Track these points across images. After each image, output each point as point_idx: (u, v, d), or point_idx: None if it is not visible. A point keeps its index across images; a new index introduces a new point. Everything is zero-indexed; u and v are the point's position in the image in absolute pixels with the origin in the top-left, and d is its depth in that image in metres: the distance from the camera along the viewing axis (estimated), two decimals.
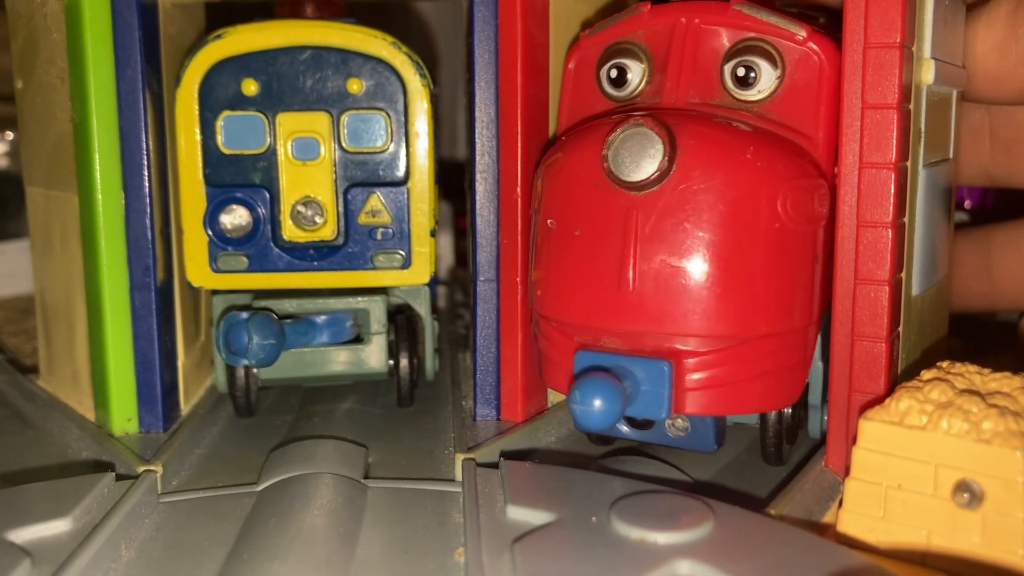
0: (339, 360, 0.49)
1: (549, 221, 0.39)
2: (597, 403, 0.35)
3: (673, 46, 0.41)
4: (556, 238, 0.39)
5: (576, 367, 0.38)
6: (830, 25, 0.41)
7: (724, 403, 0.38)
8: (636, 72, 0.41)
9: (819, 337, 0.40)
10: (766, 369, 0.38)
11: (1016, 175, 0.52)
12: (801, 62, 0.39)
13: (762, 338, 0.37)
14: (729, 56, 0.40)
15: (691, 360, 0.37)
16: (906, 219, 0.38)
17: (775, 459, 0.42)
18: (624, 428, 0.42)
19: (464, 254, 0.80)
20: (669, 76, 0.40)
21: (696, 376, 0.37)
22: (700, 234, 0.36)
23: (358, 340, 0.49)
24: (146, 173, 0.44)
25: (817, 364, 0.41)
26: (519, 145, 0.44)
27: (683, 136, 0.36)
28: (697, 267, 0.36)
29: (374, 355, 0.49)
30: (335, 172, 0.47)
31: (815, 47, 0.39)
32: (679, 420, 0.41)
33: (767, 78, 0.39)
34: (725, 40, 0.40)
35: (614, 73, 0.42)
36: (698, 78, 0.40)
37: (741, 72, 0.39)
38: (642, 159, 0.36)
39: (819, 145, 0.39)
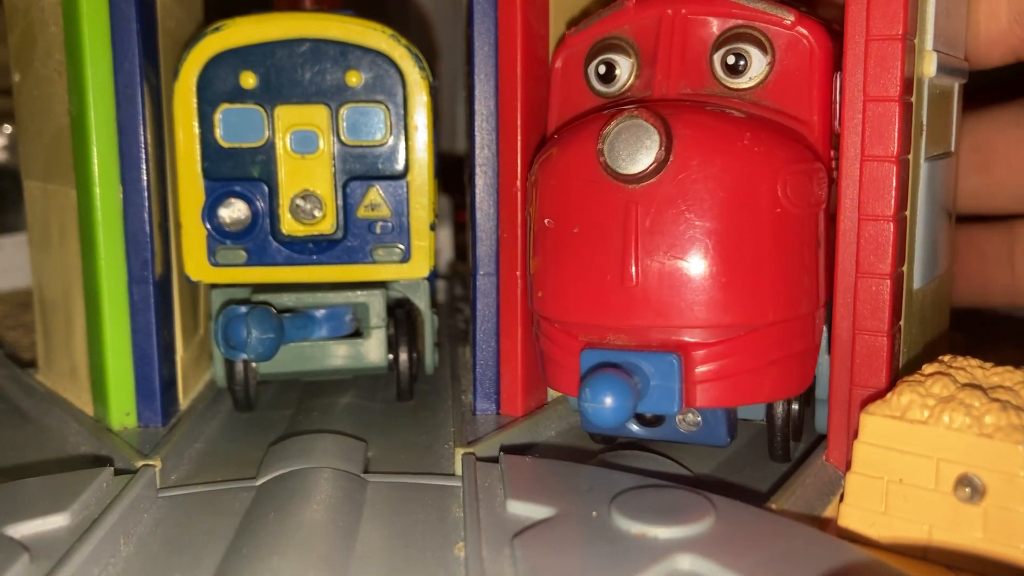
0: (338, 354, 0.49)
1: (546, 220, 0.39)
2: (608, 400, 0.34)
3: (661, 38, 0.40)
4: (554, 237, 0.39)
5: (583, 366, 0.37)
6: (810, 12, 0.41)
7: (735, 394, 0.37)
8: (625, 67, 0.41)
9: (825, 330, 0.40)
10: (776, 357, 0.38)
11: (992, 194, 0.52)
12: (791, 47, 0.39)
13: (770, 326, 0.37)
14: (718, 45, 0.39)
15: (700, 352, 0.37)
16: (907, 212, 0.38)
17: (782, 456, 0.41)
18: (634, 426, 0.42)
19: (464, 248, 0.80)
20: (659, 69, 0.40)
21: (705, 368, 0.37)
22: (702, 223, 0.36)
23: (357, 334, 0.49)
24: (144, 167, 0.44)
25: (823, 357, 0.41)
26: (519, 138, 0.44)
27: (679, 125, 0.36)
28: (700, 257, 0.36)
29: (373, 349, 0.49)
30: (334, 165, 0.47)
31: (804, 31, 0.38)
32: (690, 415, 0.41)
33: (758, 65, 0.39)
34: (713, 29, 0.40)
35: (602, 69, 0.41)
36: (688, 69, 0.40)
37: (731, 60, 0.39)
38: (638, 151, 0.36)
39: (815, 129, 0.38)
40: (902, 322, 0.38)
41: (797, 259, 0.37)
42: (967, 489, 0.31)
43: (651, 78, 0.40)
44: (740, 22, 0.39)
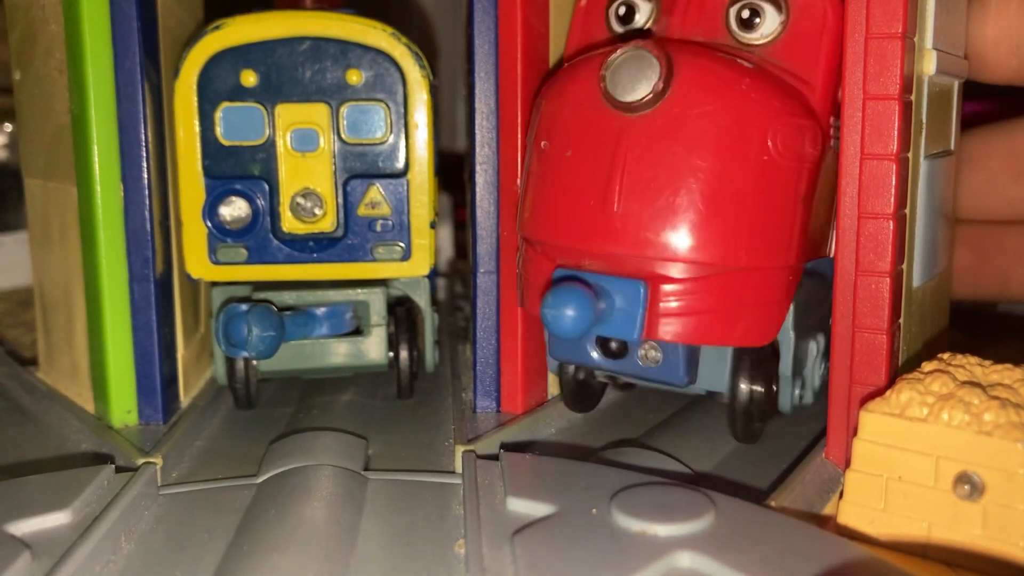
0: (339, 352, 0.49)
1: (543, 143, 0.40)
2: (569, 310, 0.35)
3: None
4: (547, 159, 0.39)
5: (555, 281, 0.38)
6: None
7: (697, 332, 0.38)
8: (644, 11, 0.42)
9: (791, 308, 0.40)
10: (743, 302, 0.38)
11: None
12: (806, 9, 0.39)
13: (741, 270, 0.37)
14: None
15: (668, 286, 0.37)
16: (907, 210, 0.38)
17: (743, 437, 0.42)
18: (596, 355, 0.41)
19: (464, 246, 0.80)
20: (675, 16, 0.41)
21: (671, 302, 0.37)
22: (687, 160, 0.36)
23: (358, 332, 0.49)
24: (145, 165, 0.44)
25: (788, 334, 0.41)
26: (519, 136, 0.44)
27: (681, 62, 0.37)
28: (681, 192, 0.36)
29: (374, 347, 0.49)
30: (334, 164, 0.47)
31: None
32: (652, 351, 0.41)
33: (771, 22, 0.39)
34: None
35: (622, 11, 0.42)
36: (703, 19, 0.40)
37: (746, 14, 0.39)
38: (638, 80, 0.36)
39: (816, 91, 0.39)
40: (901, 320, 0.38)
41: (778, 210, 0.37)
42: (966, 486, 0.31)
43: (667, 25, 0.41)
44: None
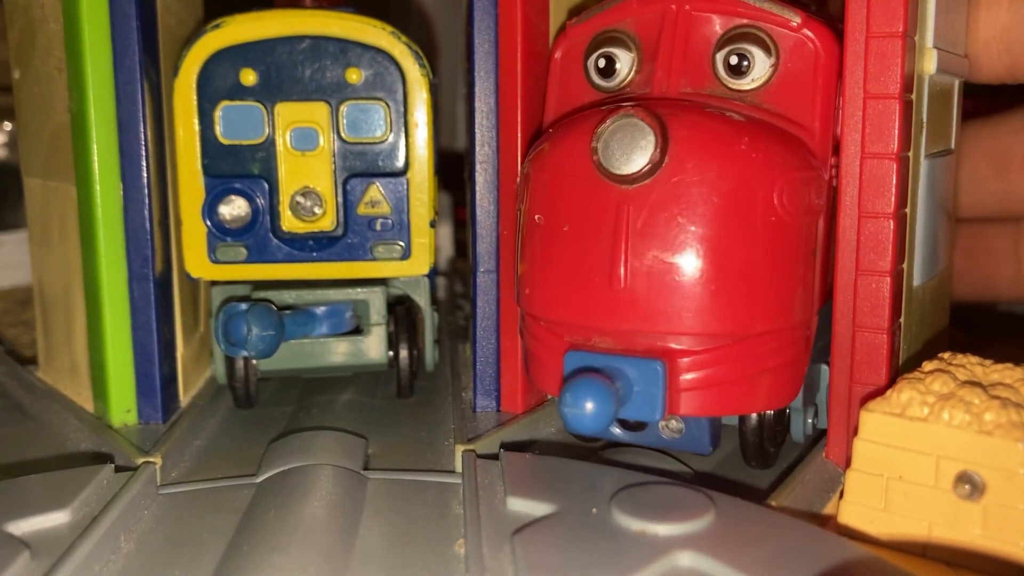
0: (338, 351, 0.49)
1: (536, 216, 0.38)
2: (589, 406, 0.33)
3: (663, 34, 0.40)
4: (544, 233, 0.38)
5: (566, 368, 0.37)
6: (821, 12, 0.41)
7: (720, 403, 0.37)
8: (625, 61, 0.40)
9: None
10: (763, 368, 0.37)
11: (1010, 198, 0.52)
12: (796, 49, 0.38)
13: (759, 336, 0.36)
14: (721, 44, 0.39)
15: (685, 359, 0.36)
16: (907, 210, 0.38)
17: (757, 463, 0.41)
18: (616, 430, 0.41)
19: (464, 245, 0.80)
20: (659, 65, 0.39)
21: (690, 376, 0.36)
22: (694, 228, 0.35)
23: (357, 331, 0.49)
24: (144, 164, 0.44)
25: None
26: (519, 135, 0.44)
27: (675, 127, 0.35)
28: (691, 263, 0.35)
29: (374, 346, 0.49)
30: (334, 162, 0.47)
31: (810, 34, 0.38)
32: (673, 421, 0.40)
33: (761, 66, 0.38)
34: (717, 27, 0.39)
35: (602, 63, 0.41)
36: (689, 67, 0.39)
37: (734, 60, 0.38)
38: (633, 151, 0.35)
39: (815, 135, 0.38)
40: (902, 319, 0.38)
41: (790, 269, 0.36)
42: (967, 486, 0.31)
43: (651, 75, 0.40)
44: (745, 21, 0.38)
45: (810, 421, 0.41)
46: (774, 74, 0.38)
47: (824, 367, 0.42)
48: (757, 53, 0.38)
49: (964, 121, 0.48)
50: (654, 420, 0.37)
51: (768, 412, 0.40)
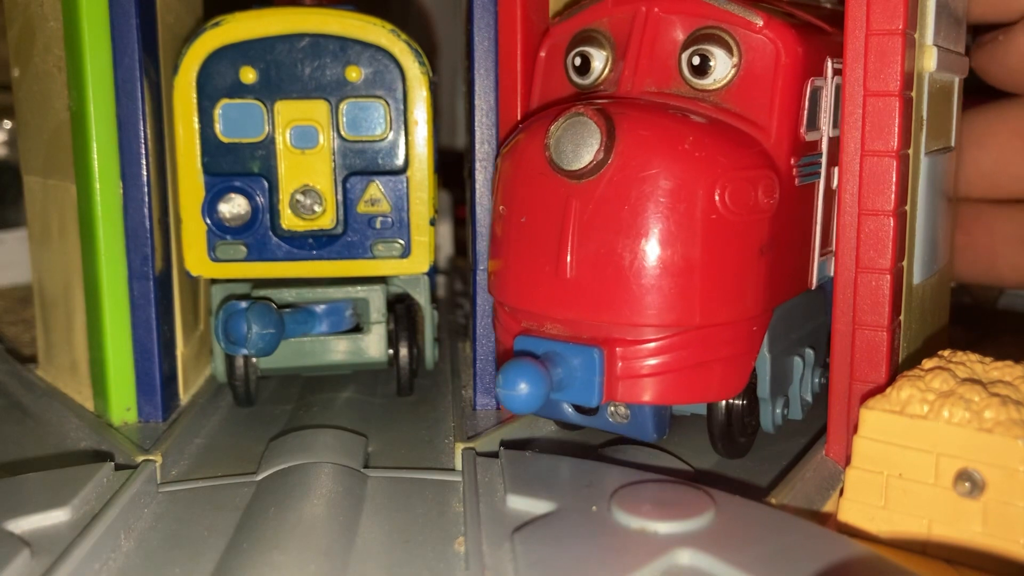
0: (338, 349, 0.49)
1: (501, 207, 0.40)
2: (523, 387, 0.35)
3: (632, 34, 0.41)
4: (506, 224, 0.39)
5: (515, 351, 0.38)
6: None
7: (656, 393, 0.37)
8: (599, 60, 0.41)
9: (768, 330, 0.39)
10: (702, 360, 0.37)
11: None
12: (758, 50, 0.38)
13: (697, 329, 0.37)
14: (686, 45, 0.39)
15: (623, 348, 0.37)
16: (907, 207, 0.38)
17: (726, 451, 0.41)
18: (569, 411, 0.42)
19: (464, 243, 0.80)
20: (627, 64, 0.40)
21: (628, 365, 0.37)
22: (635, 224, 0.36)
23: (357, 329, 0.49)
24: (144, 162, 0.44)
25: (765, 355, 0.40)
26: None
27: (623, 126, 0.36)
28: (631, 257, 0.36)
29: (373, 344, 0.49)
30: (334, 161, 0.47)
31: (771, 35, 0.38)
32: (621, 407, 0.40)
33: (723, 67, 0.39)
34: (683, 29, 0.40)
35: (578, 61, 0.42)
36: (655, 67, 0.40)
37: (697, 61, 0.39)
38: (581, 148, 0.36)
39: (771, 135, 0.38)
40: (902, 317, 0.38)
41: (732, 266, 0.37)
42: (967, 484, 0.31)
43: (620, 74, 0.41)
44: (710, 23, 0.39)
45: (779, 411, 0.42)
46: (736, 74, 0.39)
47: (797, 359, 0.42)
48: (719, 54, 0.39)
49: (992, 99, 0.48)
50: (591, 405, 0.38)
51: (736, 403, 0.40)
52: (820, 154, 0.40)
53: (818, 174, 0.40)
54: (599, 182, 0.36)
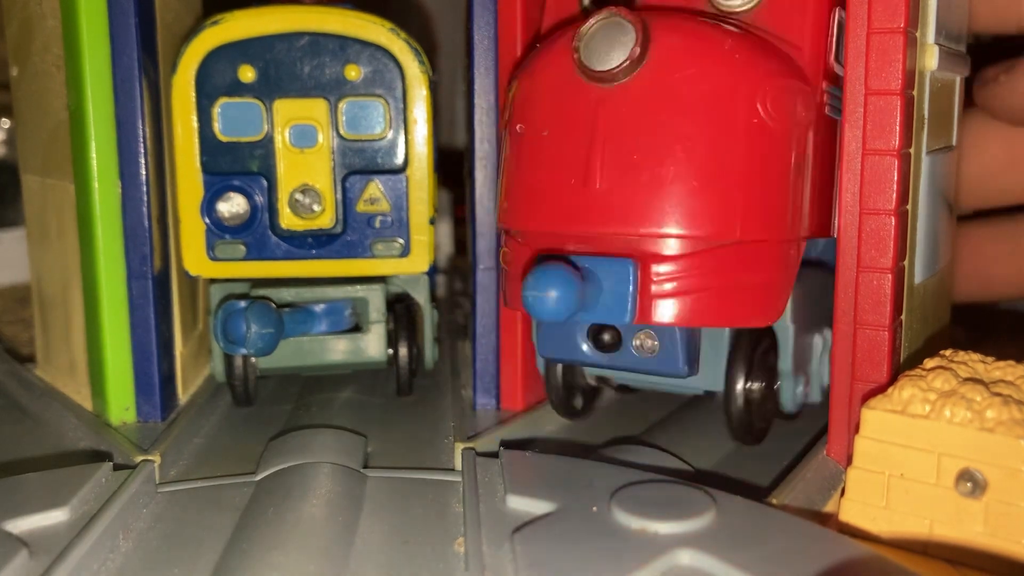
0: (338, 349, 0.49)
1: (518, 127, 0.37)
2: (552, 291, 0.32)
3: None
4: (524, 143, 0.37)
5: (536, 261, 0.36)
6: None
7: (693, 313, 0.35)
8: None
9: (791, 300, 0.38)
10: (742, 280, 0.35)
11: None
12: None
13: (737, 244, 0.35)
14: None
15: (659, 265, 0.35)
16: (909, 206, 0.38)
17: (742, 437, 0.40)
18: (587, 349, 0.39)
19: (463, 242, 0.80)
20: None
21: (664, 280, 0.35)
22: (671, 128, 0.34)
23: (357, 329, 0.49)
24: (143, 161, 0.44)
25: (787, 327, 0.39)
26: None
27: (658, 27, 0.35)
28: (668, 164, 0.34)
29: (373, 344, 0.49)
30: (333, 160, 0.47)
31: None
32: (647, 340, 0.39)
33: None
34: None
35: None
36: None
37: None
38: (613, 47, 0.34)
39: (805, 55, 0.37)
40: (903, 316, 0.38)
41: (773, 178, 0.35)
42: (968, 484, 0.31)
43: None
44: None
45: (800, 390, 0.41)
46: None
47: (817, 337, 0.41)
48: None
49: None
50: (623, 323, 0.35)
51: (754, 385, 0.39)
52: (841, 90, 0.38)
53: (840, 111, 0.38)
54: (633, 85, 0.34)
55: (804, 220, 0.37)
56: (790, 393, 0.41)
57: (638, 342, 0.39)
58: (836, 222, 0.39)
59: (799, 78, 0.36)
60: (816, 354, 0.41)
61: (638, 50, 0.34)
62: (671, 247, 0.35)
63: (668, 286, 0.35)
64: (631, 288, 0.34)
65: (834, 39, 0.38)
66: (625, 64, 0.34)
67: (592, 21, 0.35)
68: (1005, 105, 0.48)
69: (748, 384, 0.39)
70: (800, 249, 0.38)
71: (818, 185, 0.38)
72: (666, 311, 0.35)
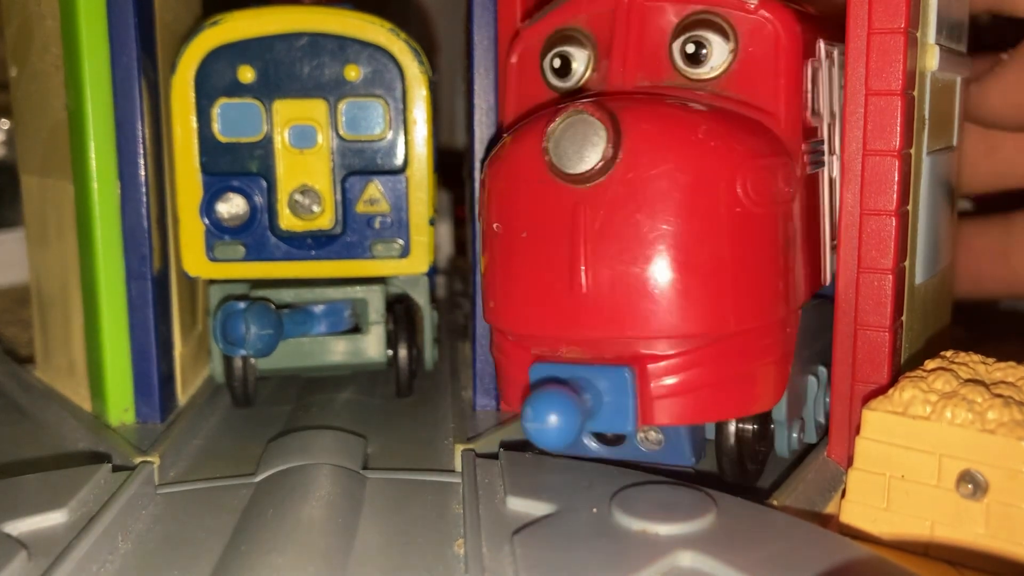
0: (337, 350, 0.49)
1: (495, 224, 0.36)
2: (553, 419, 0.31)
3: (616, 28, 0.38)
4: (502, 242, 0.36)
5: (531, 381, 0.35)
6: None
7: (696, 410, 0.35)
8: (580, 60, 0.39)
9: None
10: (742, 369, 0.35)
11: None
12: (755, 33, 0.36)
13: (733, 336, 0.34)
14: (677, 33, 0.37)
15: (656, 365, 0.34)
16: (909, 207, 0.38)
17: (732, 477, 0.39)
18: (592, 445, 0.39)
19: (463, 243, 0.80)
20: (614, 60, 0.38)
21: (663, 382, 0.34)
22: (654, 226, 0.33)
23: (356, 330, 0.49)
24: (142, 161, 0.44)
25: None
26: None
27: (628, 120, 0.33)
28: (654, 262, 0.33)
29: (373, 345, 0.49)
30: (332, 160, 0.46)
31: (768, 15, 0.36)
32: (652, 433, 0.38)
33: (719, 53, 0.36)
34: (671, 16, 0.37)
35: (557, 63, 0.39)
36: (645, 60, 0.38)
37: (691, 49, 0.37)
38: (585, 148, 0.33)
39: (781, 120, 0.36)
40: (904, 317, 0.38)
41: (762, 262, 0.34)
42: (969, 485, 0.31)
43: (607, 71, 0.38)
44: (700, 8, 0.37)
45: (795, 436, 0.40)
46: (734, 60, 0.36)
47: (811, 378, 0.41)
48: (715, 39, 0.36)
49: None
50: (627, 431, 0.35)
51: (747, 427, 0.38)
52: (822, 141, 0.39)
53: (823, 162, 0.39)
54: (608, 184, 0.33)
55: (799, 291, 0.36)
56: (784, 440, 0.40)
57: (642, 435, 0.39)
58: (827, 270, 0.39)
59: (777, 152, 0.35)
60: (811, 397, 0.41)
61: (611, 150, 0.33)
62: (666, 347, 0.34)
63: (668, 386, 0.34)
64: (631, 398, 0.34)
65: (808, 95, 0.37)
66: (599, 166, 0.33)
67: (558, 119, 0.33)
68: (979, 113, 0.49)
69: (739, 425, 0.38)
70: (796, 320, 0.37)
71: (807, 248, 0.37)
72: (668, 412, 0.34)
